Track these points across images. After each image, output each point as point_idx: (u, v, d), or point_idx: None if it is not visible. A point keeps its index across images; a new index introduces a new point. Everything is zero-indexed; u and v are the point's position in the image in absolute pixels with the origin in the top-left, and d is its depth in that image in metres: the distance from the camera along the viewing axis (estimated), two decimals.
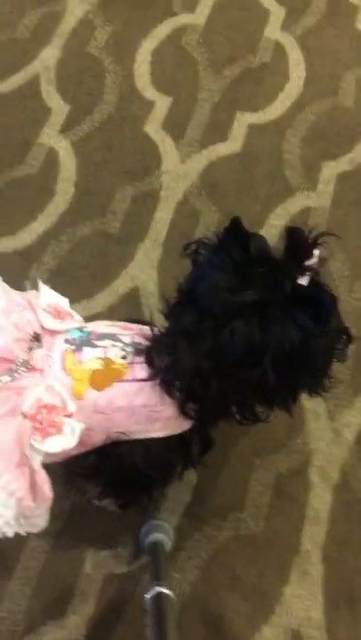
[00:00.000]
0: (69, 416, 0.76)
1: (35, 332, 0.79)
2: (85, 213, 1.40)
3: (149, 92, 1.56)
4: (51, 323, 0.82)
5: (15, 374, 0.74)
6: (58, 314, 0.84)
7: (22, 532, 0.76)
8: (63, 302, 0.88)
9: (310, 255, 0.71)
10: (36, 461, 0.74)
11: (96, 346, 0.81)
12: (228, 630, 1.03)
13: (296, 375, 0.71)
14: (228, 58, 1.62)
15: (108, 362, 0.79)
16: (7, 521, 0.72)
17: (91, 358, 0.79)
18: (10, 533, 0.74)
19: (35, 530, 0.79)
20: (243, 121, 1.53)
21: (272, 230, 1.38)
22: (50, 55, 1.61)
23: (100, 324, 0.87)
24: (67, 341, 0.81)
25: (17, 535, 0.76)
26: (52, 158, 1.47)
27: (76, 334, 0.83)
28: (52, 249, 1.35)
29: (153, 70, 1.60)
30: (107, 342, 0.82)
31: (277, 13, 1.69)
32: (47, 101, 1.54)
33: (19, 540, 1.05)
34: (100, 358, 0.80)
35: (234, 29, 1.67)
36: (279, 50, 1.64)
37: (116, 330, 0.85)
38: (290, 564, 1.08)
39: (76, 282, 1.32)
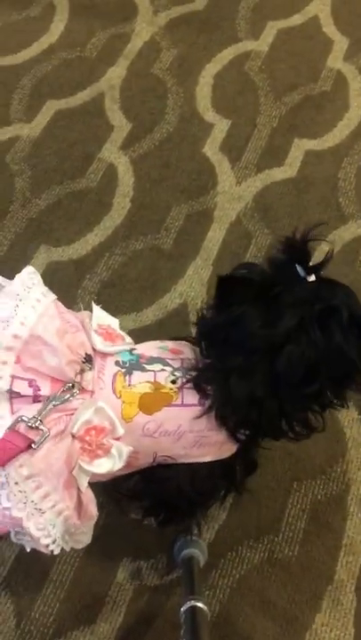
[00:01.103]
0: (118, 439, 0.77)
1: (86, 354, 0.80)
2: (140, 228, 1.43)
3: (209, 115, 1.60)
4: (102, 345, 0.82)
5: (70, 397, 0.75)
6: (109, 335, 0.85)
7: (67, 548, 0.77)
8: (114, 323, 0.88)
9: (308, 256, 0.73)
10: (84, 482, 0.75)
11: (146, 370, 0.82)
12: None
13: (347, 375, 0.74)
14: (289, 85, 1.65)
15: (157, 386, 0.80)
16: (55, 539, 0.73)
17: (140, 382, 0.80)
18: (57, 551, 0.75)
19: (79, 546, 0.80)
20: (300, 147, 1.55)
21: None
22: (115, 74, 1.66)
23: (149, 347, 0.88)
24: (117, 364, 0.82)
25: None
26: (111, 173, 1.51)
27: (127, 357, 0.83)
28: (105, 260, 1.39)
29: (214, 93, 1.63)
30: (156, 366, 0.82)
31: (341, 43, 1.71)
32: (110, 118, 1.59)
33: None
34: (150, 382, 0.80)
35: (296, 57, 1.69)
36: (340, 79, 1.66)
37: (166, 354, 0.85)
38: (322, 591, 1.07)
39: (127, 294, 1.35)
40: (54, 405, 0.73)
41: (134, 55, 1.70)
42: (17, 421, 0.71)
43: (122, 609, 1.05)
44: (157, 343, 0.89)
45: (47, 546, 0.74)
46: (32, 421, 0.71)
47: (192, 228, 1.44)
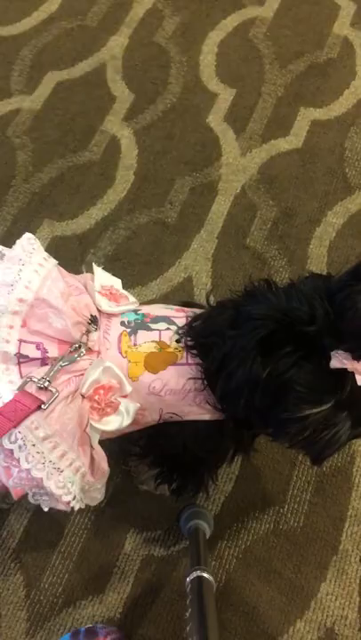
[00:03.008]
0: (125, 397, 0.79)
1: (91, 315, 0.81)
2: (144, 202, 1.42)
3: (213, 84, 1.57)
4: (107, 306, 0.83)
5: (77, 357, 0.76)
6: (112, 296, 0.86)
7: (82, 505, 0.79)
8: (117, 283, 0.90)
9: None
10: (95, 439, 0.77)
11: (151, 329, 0.83)
12: (261, 621, 1.04)
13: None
14: (294, 52, 1.61)
15: (162, 345, 0.81)
16: (74, 496, 0.75)
17: (146, 341, 0.81)
18: (77, 507, 0.76)
19: (93, 503, 0.82)
20: (306, 116, 1.52)
21: (329, 228, 1.37)
22: (117, 44, 1.63)
23: (154, 307, 0.89)
24: (122, 324, 0.83)
25: (62, 511, 0.78)
26: (114, 146, 1.49)
27: (132, 317, 0.84)
28: (109, 235, 1.37)
29: (218, 62, 1.60)
30: (161, 325, 0.83)
31: (348, 9, 1.67)
32: (112, 89, 1.56)
33: (63, 516, 1.09)
34: (155, 341, 0.81)
35: (302, 24, 1.65)
36: (347, 46, 1.62)
37: (171, 312, 0.86)
38: (328, 561, 1.08)
39: (132, 268, 1.34)
40: (62, 366, 0.75)
41: (136, 23, 1.67)
42: (26, 382, 0.73)
43: (130, 579, 1.07)
44: (162, 305, 0.90)
45: (68, 503, 0.75)
46: (41, 382, 0.72)
47: (196, 200, 1.42)
